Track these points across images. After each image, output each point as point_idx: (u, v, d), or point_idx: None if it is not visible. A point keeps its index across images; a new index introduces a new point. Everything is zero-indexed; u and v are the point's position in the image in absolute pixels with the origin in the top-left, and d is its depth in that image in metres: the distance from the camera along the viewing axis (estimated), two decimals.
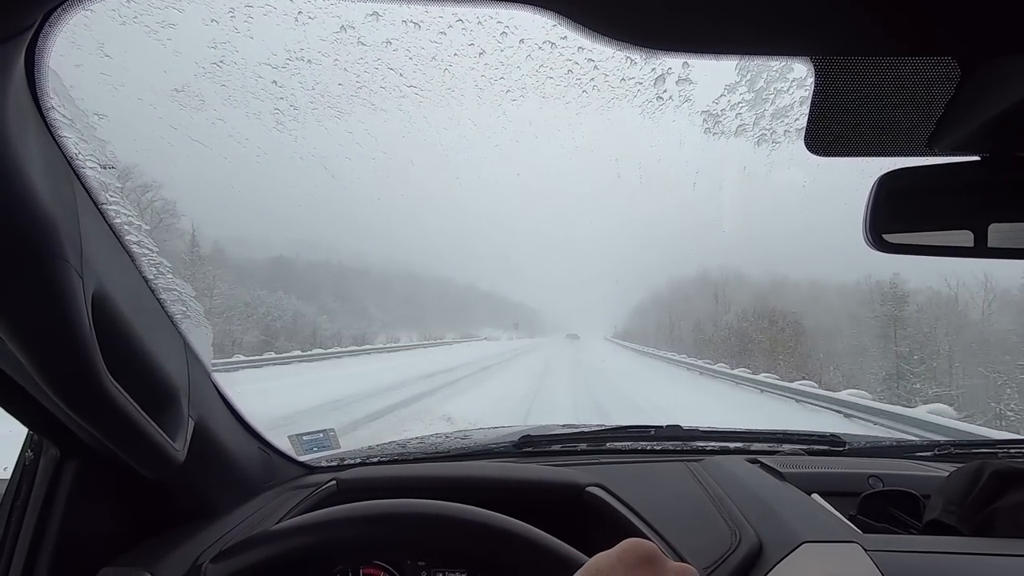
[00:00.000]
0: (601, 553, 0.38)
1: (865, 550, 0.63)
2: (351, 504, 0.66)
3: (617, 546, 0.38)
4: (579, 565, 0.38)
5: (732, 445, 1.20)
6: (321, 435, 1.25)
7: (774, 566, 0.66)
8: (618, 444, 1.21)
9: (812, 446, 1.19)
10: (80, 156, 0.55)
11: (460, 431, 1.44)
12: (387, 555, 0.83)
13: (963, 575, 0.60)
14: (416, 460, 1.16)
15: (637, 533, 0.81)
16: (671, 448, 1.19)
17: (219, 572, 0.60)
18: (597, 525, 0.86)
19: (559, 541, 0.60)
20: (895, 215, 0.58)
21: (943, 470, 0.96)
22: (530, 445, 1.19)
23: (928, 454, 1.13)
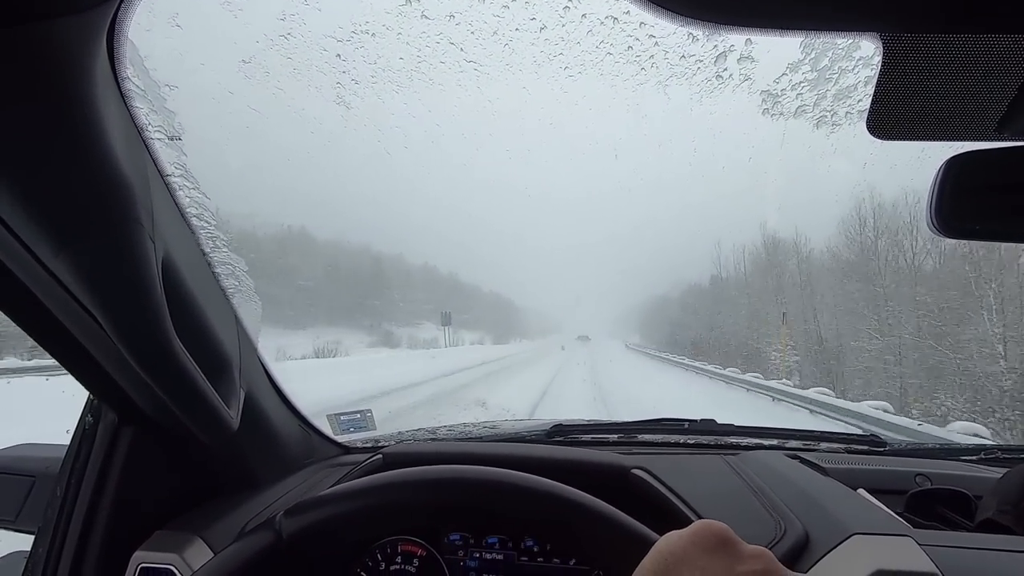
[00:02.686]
0: (672, 532, 0.37)
1: (919, 544, 0.61)
2: (425, 467, 0.66)
3: (689, 527, 0.36)
4: (650, 543, 0.37)
5: (767, 442, 1.17)
6: (359, 416, 1.27)
7: (822, 557, 0.64)
8: (650, 436, 1.20)
9: (851, 445, 1.16)
10: (150, 127, 0.56)
11: (489, 421, 1.45)
12: (451, 519, 0.82)
13: (1021, 573, 0.59)
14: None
15: (681, 516, 0.80)
16: (705, 442, 1.17)
17: (292, 525, 0.61)
18: (641, 508, 0.85)
19: (630, 517, 0.60)
20: (961, 200, 0.56)
21: (991, 472, 0.93)
22: (561, 434, 1.18)
23: (974, 457, 1.09)
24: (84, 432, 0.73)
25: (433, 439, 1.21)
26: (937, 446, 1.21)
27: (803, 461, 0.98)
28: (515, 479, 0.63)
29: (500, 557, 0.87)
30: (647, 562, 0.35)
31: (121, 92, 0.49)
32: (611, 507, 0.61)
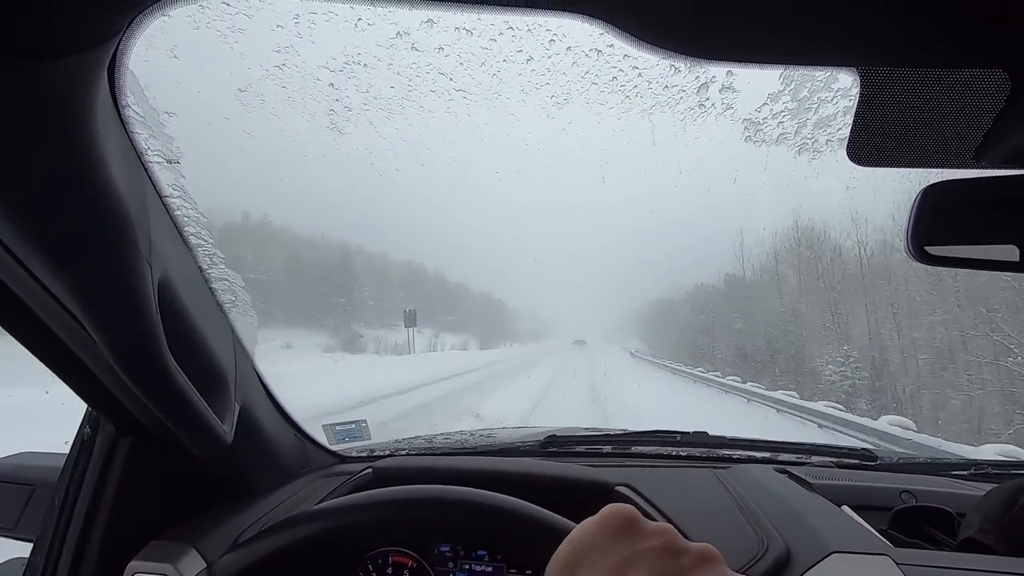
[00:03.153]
0: (585, 520, 0.37)
1: (896, 563, 0.62)
2: (358, 494, 0.70)
3: (598, 512, 0.37)
4: (567, 533, 0.38)
5: (759, 455, 1.18)
6: (353, 426, 1.29)
7: (802, 574, 0.65)
8: (644, 448, 1.21)
9: (842, 459, 1.16)
10: (149, 151, 0.58)
11: (485, 429, 1.46)
12: (399, 537, 0.85)
13: None
14: (443, 454, 1.18)
15: None
16: (697, 455, 1.18)
17: (226, 568, 0.64)
18: None
19: (547, 511, 0.62)
20: (938, 227, 0.57)
21: (979, 489, 0.93)
22: (555, 445, 1.20)
23: (964, 473, 1.10)
24: (82, 443, 0.74)
25: (428, 448, 1.22)
26: (928, 461, 1.21)
27: (791, 476, 0.99)
28: (427, 493, 0.66)
29: (489, 570, 0.87)
30: (560, 551, 0.36)
31: (121, 119, 0.51)
32: (531, 505, 0.62)
